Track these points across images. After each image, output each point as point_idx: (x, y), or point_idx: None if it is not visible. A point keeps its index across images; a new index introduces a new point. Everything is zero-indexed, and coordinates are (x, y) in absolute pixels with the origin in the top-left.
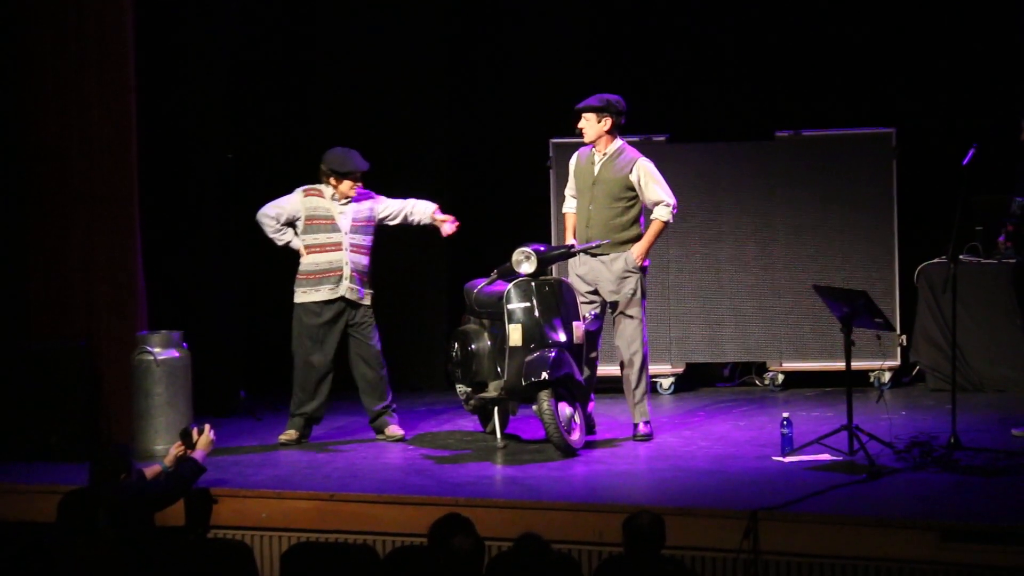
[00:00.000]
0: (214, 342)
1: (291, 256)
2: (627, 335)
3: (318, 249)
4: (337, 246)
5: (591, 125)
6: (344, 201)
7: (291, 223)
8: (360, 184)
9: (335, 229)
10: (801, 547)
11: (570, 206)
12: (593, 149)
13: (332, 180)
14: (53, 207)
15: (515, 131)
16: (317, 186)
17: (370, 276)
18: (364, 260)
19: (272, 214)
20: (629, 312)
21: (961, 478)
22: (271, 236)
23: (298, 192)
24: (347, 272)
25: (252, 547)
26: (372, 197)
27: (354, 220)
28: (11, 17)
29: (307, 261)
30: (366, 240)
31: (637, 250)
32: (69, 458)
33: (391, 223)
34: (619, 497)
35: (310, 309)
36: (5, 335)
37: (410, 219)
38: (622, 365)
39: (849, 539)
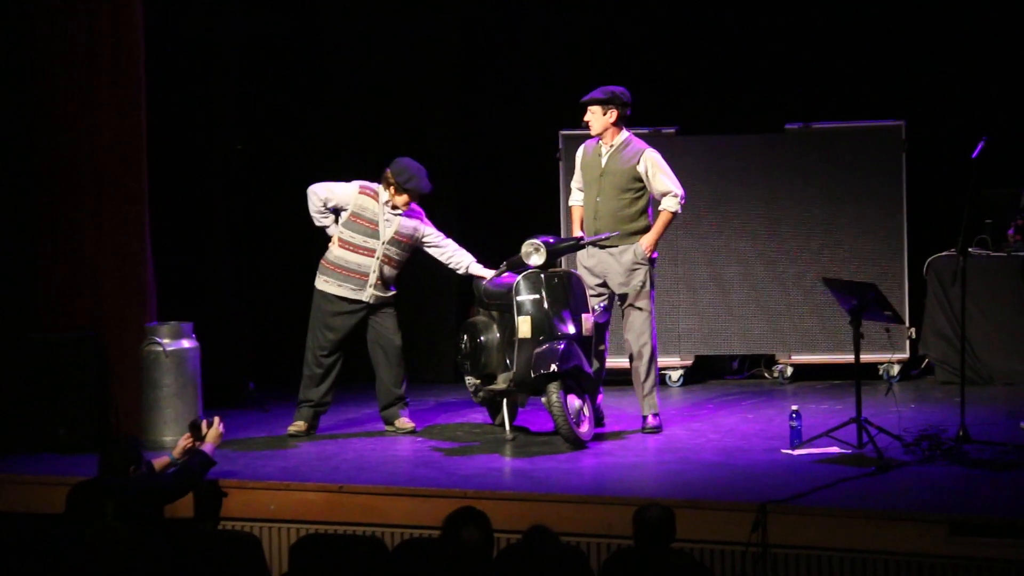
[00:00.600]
0: (223, 333)
1: (302, 249)
2: (636, 327)
3: (351, 248)
4: (371, 252)
5: (597, 118)
6: (394, 212)
7: (336, 211)
8: (415, 202)
9: (374, 235)
10: (810, 540)
11: (576, 199)
12: (600, 141)
13: (392, 189)
14: (63, 198)
15: (525, 123)
16: (374, 186)
17: (396, 280)
18: (394, 272)
19: (322, 195)
20: (638, 304)
21: (970, 471)
22: (312, 214)
23: (354, 185)
24: (373, 279)
25: (261, 539)
26: (421, 217)
27: (396, 233)
28: (22, 10)
29: (336, 253)
30: (401, 255)
31: (646, 241)
32: (77, 449)
33: (426, 250)
34: (628, 490)
35: (329, 299)
36: (14, 326)
37: (444, 260)
38: (631, 357)
39: (858, 532)
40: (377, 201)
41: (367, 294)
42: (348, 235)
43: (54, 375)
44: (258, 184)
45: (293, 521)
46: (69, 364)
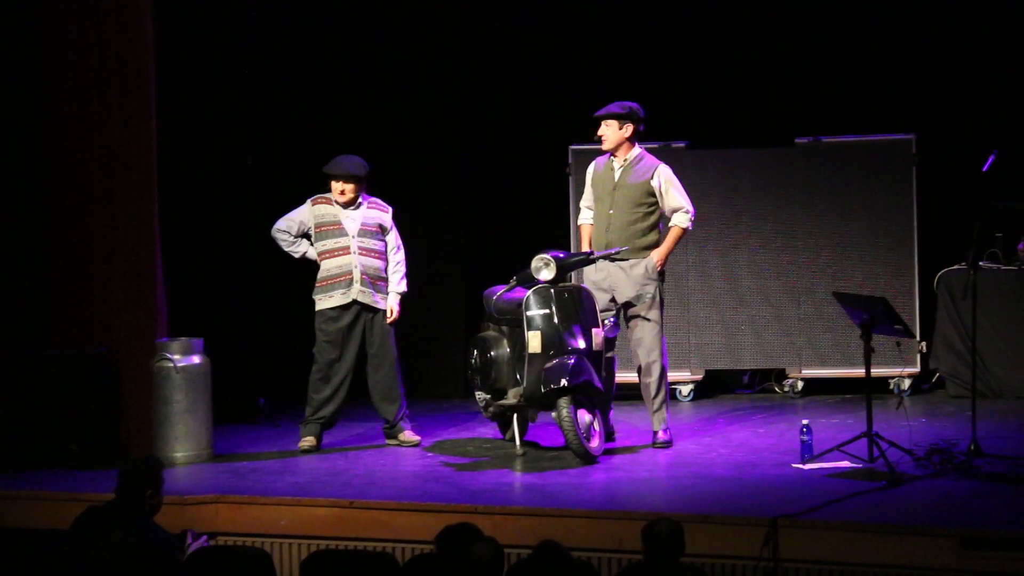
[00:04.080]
0: (234, 349)
1: (312, 264)
2: (646, 342)
3: (328, 255)
4: (345, 250)
5: (612, 131)
6: (353, 207)
7: (304, 234)
8: (345, 192)
9: (342, 233)
10: (821, 555)
11: (585, 217)
12: (611, 157)
13: (332, 184)
14: (73, 214)
15: (534, 137)
16: (326, 194)
17: (386, 280)
18: (377, 263)
19: (284, 227)
20: (647, 316)
21: (981, 485)
22: (287, 250)
23: (307, 202)
24: (357, 275)
25: (271, 554)
26: (388, 212)
27: (363, 224)
28: (33, 26)
29: (322, 268)
30: (377, 244)
31: (657, 255)
32: (89, 465)
33: None
34: (638, 504)
35: (328, 315)
36: (26, 342)
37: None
38: (639, 371)
39: (869, 546)
40: (332, 204)
41: (355, 291)
42: (322, 245)
43: (65, 391)
44: (268, 199)
45: (304, 537)
46: (80, 380)
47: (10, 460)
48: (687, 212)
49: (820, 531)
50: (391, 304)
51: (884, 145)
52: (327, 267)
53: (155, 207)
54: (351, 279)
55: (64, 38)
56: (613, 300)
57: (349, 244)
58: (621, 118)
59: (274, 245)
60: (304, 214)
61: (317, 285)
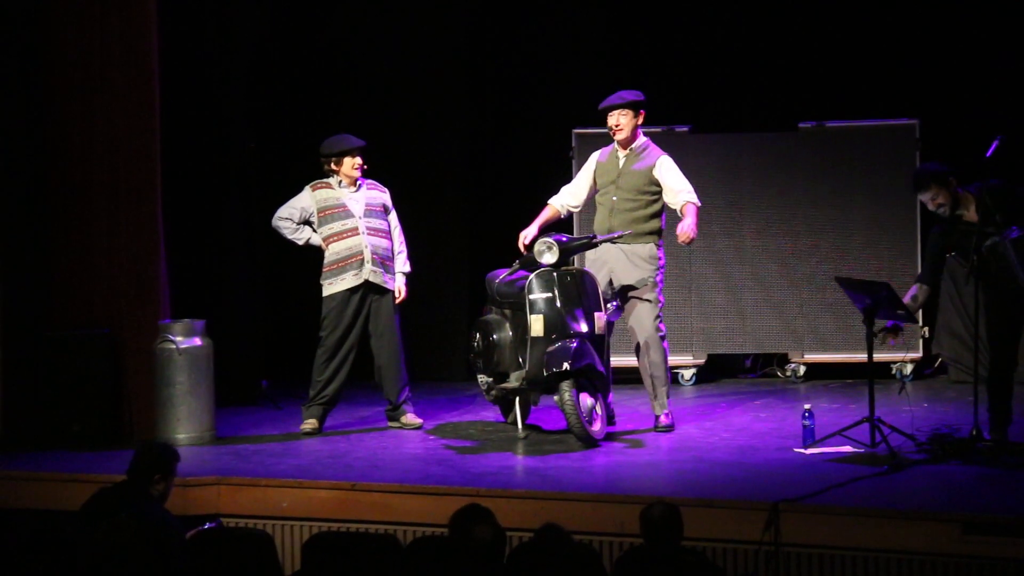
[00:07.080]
0: (236, 331)
1: (314, 247)
2: (645, 325)
3: (336, 238)
4: (354, 231)
5: (629, 120)
6: (353, 188)
7: (307, 221)
8: (363, 164)
9: (349, 215)
10: (822, 539)
11: (557, 199)
12: (616, 146)
13: (333, 165)
14: (77, 196)
15: (537, 121)
16: (324, 179)
17: (394, 261)
18: (384, 243)
19: (286, 215)
20: (646, 297)
21: (983, 470)
22: (290, 238)
23: (307, 189)
24: (368, 255)
25: (273, 536)
26: (386, 192)
27: (367, 205)
28: (37, 10)
29: (329, 252)
30: (383, 224)
31: (687, 230)
32: (91, 446)
33: None
34: (640, 488)
35: (339, 299)
36: (28, 323)
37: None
38: (638, 355)
39: (870, 531)
40: (333, 187)
41: (367, 271)
42: (327, 230)
43: (68, 372)
44: (270, 182)
45: (306, 519)
46: (83, 361)
47: (13, 441)
48: (691, 192)
49: (822, 516)
50: (399, 285)
51: (888, 130)
52: (336, 250)
53: (158, 190)
54: (362, 260)
55: (67, 25)
56: (611, 283)
57: (357, 225)
58: (636, 106)
59: (276, 234)
60: (305, 200)
61: (325, 270)
